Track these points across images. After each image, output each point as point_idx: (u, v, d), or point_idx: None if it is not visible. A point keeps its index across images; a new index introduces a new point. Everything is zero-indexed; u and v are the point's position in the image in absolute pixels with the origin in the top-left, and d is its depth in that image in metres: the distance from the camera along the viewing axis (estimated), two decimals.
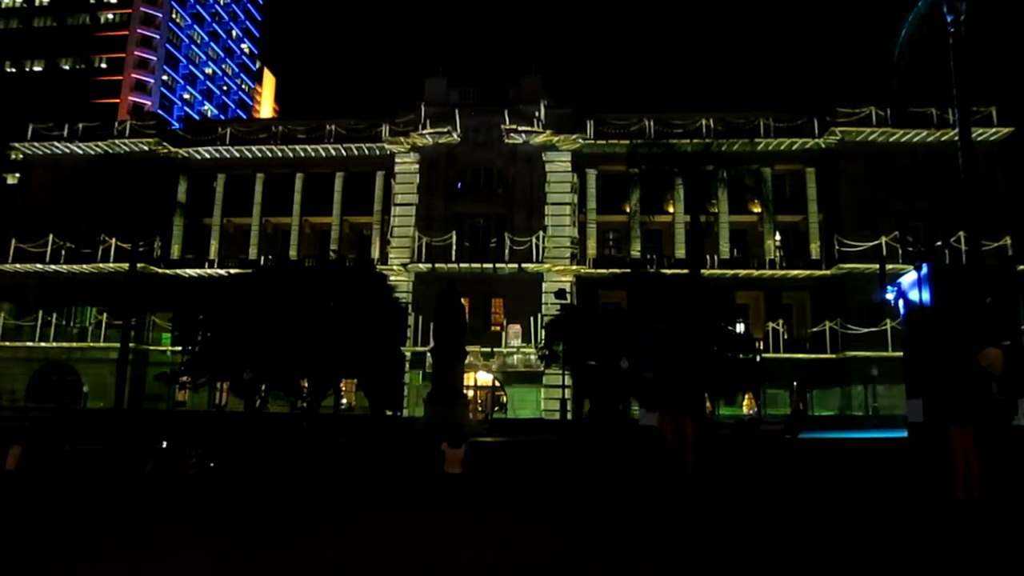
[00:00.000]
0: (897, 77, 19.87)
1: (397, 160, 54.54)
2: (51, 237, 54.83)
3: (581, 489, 11.93)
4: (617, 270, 48.63)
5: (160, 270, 54.63)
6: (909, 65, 19.45)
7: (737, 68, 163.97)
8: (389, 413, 46.63)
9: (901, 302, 14.77)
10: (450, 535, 8.10)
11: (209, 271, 53.82)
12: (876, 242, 48.89)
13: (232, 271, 49.77)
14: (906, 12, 19.32)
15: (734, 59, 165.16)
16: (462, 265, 51.07)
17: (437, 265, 51.02)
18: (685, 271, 39.90)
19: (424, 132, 53.52)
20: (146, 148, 55.49)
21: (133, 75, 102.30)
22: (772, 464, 16.55)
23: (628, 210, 53.70)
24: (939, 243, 48.87)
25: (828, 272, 51.40)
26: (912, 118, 51.26)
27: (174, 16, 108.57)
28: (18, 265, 54.93)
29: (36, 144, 57.51)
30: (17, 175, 68.68)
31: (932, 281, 12.70)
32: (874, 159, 51.40)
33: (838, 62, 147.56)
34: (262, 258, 54.01)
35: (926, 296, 12.43)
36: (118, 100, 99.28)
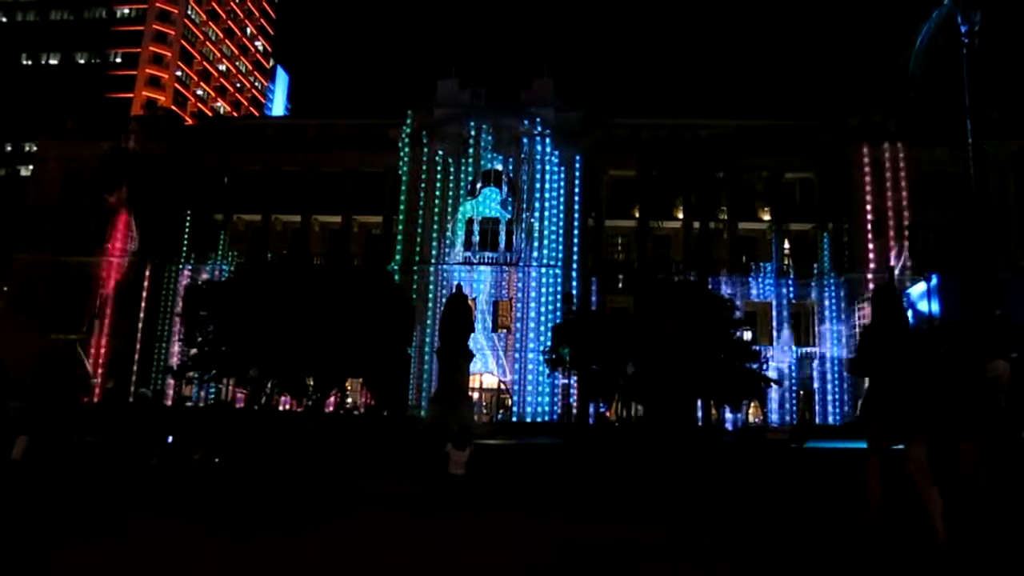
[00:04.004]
0: (912, 87, 19.83)
1: (407, 160, 54.53)
2: (62, 229, 55.13)
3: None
4: (625, 275, 48.61)
5: (169, 264, 54.84)
6: (924, 74, 19.40)
7: (750, 75, 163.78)
8: (387, 413, 46.59)
9: (910, 312, 14.71)
10: (454, 536, 8.10)
11: (217, 267, 54.01)
12: (885, 251, 48.72)
13: (241, 268, 49.92)
14: (921, 23, 19.28)
15: (747, 65, 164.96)
16: (472, 265, 51.10)
17: (445, 265, 51.06)
18: (693, 277, 39.87)
19: (435, 132, 53.54)
20: (159, 143, 55.74)
21: (148, 70, 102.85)
22: (777, 474, 16.47)
23: (637, 215, 53.80)
24: (949, 254, 48.63)
25: (837, 280, 51.20)
26: (924, 127, 51.05)
27: (190, 13, 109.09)
28: (28, 256, 55.25)
29: (50, 137, 57.81)
30: (30, 167, 69.10)
31: (941, 292, 12.66)
32: (885, 168, 51.22)
33: (851, 71, 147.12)
34: (270, 256, 54.10)
35: (935, 306, 12.39)
36: (132, 95, 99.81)
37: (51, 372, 52.82)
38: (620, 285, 50.78)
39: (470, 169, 53.38)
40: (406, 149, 54.50)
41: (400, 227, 53.82)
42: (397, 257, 53.10)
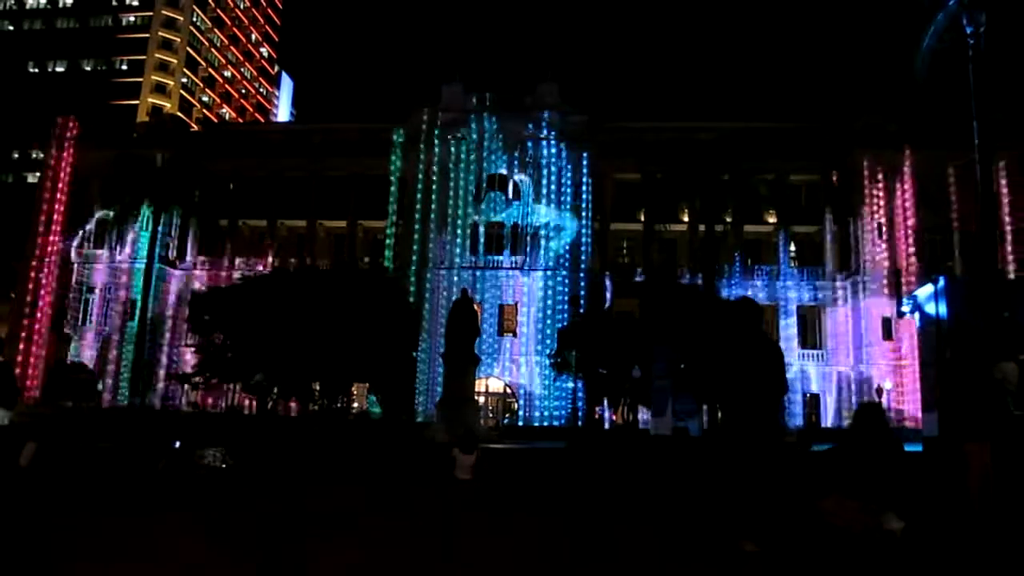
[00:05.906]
0: (917, 89, 19.78)
1: (413, 164, 54.55)
2: (68, 236, 55.34)
3: None
4: (631, 278, 48.57)
5: (176, 271, 55.00)
6: (929, 77, 19.35)
7: (755, 77, 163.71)
8: (393, 417, 46.65)
9: (917, 315, 14.69)
10: (460, 541, 8.09)
11: (223, 272, 54.13)
12: (891, 253, 48.57)
13: (246, 273, 50.03)
14: (926, 24, 19.24)
15: (751, 68, 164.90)
16: (477, 270, 51.11)
17: (450, 270, 51.08)
18: (698, 280, 39.83)
19: (440, 136, 53.61)
20: (164, 150, 55.87)
21: (153, 77, 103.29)
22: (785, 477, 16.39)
23: (642, 218, 53.75)
24: (955, 256, 48.48)
25: (843, 283, 51.08)
26: (930, 130, 50.92)
27: (195, 20, 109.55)
28: (35, 263, 55.46)
29: (56, 144, 58.01)
30: (37, 174, 69.42)
31: (948, 294, 12.62)
32: (891, 171, 51.07)
33: (855, 73, 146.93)
34: (276, 261, 54.22)
35: (942, 309, 12.35)
36: (137, 102, 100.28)
37: (61, 378, 53.10)
38: (626, 288, 50.70)
39: (473, 174, 53.39)
40: (411, 153, 54.54)
41: (406, 231, 53.81)
42: (403, 261, 53.08)
